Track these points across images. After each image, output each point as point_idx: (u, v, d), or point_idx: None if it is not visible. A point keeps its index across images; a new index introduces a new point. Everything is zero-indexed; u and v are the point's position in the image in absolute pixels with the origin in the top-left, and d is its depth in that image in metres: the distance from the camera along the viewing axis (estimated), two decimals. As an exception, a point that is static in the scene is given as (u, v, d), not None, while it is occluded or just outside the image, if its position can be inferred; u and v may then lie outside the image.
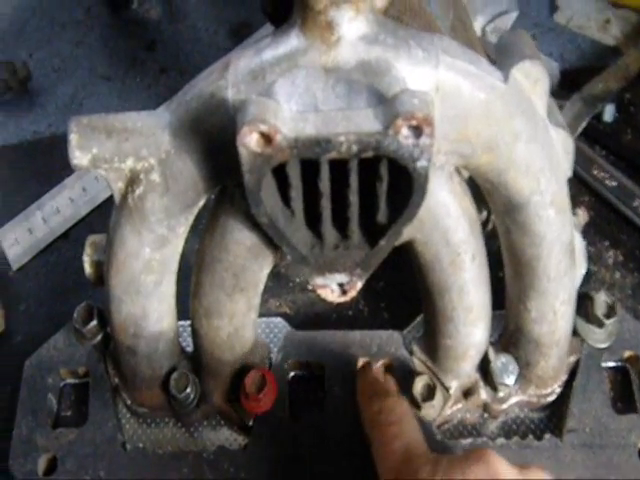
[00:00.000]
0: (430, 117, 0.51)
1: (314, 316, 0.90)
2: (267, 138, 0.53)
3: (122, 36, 1.19)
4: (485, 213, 0.82)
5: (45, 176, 1.04)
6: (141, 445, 0.80)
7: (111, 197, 0.68)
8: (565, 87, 0.99)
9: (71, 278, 0.95)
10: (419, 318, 0.82)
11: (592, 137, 1.00)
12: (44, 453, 0.78)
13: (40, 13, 1.22)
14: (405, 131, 0.52)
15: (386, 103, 0.53)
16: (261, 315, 0.81)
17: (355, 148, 0.53)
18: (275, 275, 0.92)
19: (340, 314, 0.90)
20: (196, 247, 0.71)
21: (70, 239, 0.99)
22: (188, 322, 0.77)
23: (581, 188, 0.96)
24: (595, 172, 0.96)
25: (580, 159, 0.94)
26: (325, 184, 0.58)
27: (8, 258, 0.98)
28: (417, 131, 0.52)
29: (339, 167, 0.57)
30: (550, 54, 1.11)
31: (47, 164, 1.06)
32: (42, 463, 0.78)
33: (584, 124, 1.00)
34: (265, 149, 0.53)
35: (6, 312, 0.94)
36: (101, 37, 1.19)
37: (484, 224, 0.79)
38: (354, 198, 0.60)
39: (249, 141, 0.53)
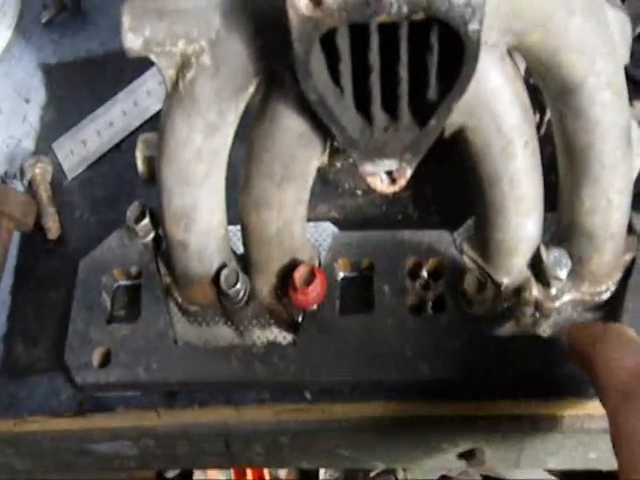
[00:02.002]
0: (483, -30, 0.50)
1: (363, 221, 0.89)
2: (317, 0, 0.52)
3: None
4: (538, 116, 0.81)
5: (98, 91, 1.05)
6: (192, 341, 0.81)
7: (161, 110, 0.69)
8: (623, -11, 0.96)
9: (123, 187, 0.96)
10: (470, 220, 0.81)
11: (650, 40, 0.96)
12: (99, 347, 0.80)
13: None
14: (456, -11, 0.51)
15: (438, -39, 0.52)
16: (310, 220, 0.81)
17: (405, 9, 0.52)
18: (323, 182, 0.92)
19: (389, 218, 0.89)
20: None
21: (122, 150, 1.00)
22: (237, 227, 0.78)
23: (637, 91, 0.93)
24: (652, 75, 0.93)
25: (636, 62, 0.91)
26: (375, 55, 0.57)
27: (64, 168, 0.99)
28: (469, -11, 0.51)
29: (389, 40, 0.56)
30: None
31: (100, 80, 1.06)
32: (97, 356, 0.80)
33: (641, 26, 0.96)
34: (314, 12, 0.53)
35: (62, 219, 0.95)
36: (154, -44, 1.19)
37: (537, 128, 0.78)
38: (404, 72, 0.59)
39: (299, 3, 0.52)
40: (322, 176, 0.91)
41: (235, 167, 0.72)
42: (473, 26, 0.53)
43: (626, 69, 0.67)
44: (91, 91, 1.06)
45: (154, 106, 1.01)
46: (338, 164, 0.92)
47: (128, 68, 1.04)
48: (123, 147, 1.00)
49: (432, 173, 0.88)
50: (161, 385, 0.79)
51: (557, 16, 0.60)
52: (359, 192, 0.91)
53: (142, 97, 1.03)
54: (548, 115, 0.75)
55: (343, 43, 0.56)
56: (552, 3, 0.59)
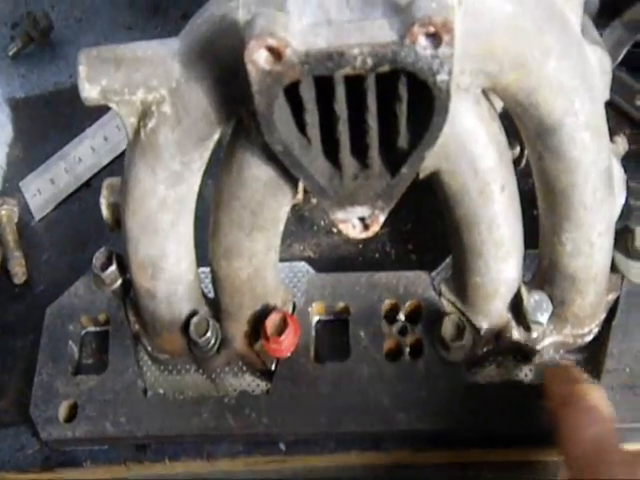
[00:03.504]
0: (450, 22, 0.47)
1: (339, 260, 0.87)
2: (276, 53, 0.49)
3: (143, -17, 1.17)
4: (518, 149, 0.78)
5: (67, 126, 1.03)
6: (162, 391, 0.78)
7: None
8: (604, 15, 0.93)
9: (93, 227, 0.93)
10: (448, 259, 0.79)
11: (634, 66, 0.93)
12: (65, 400, 0.77)
13: (60, -37, 1.20)
14: (423, 40, 0.48)
15: (402, 11, 0.49)
16: (284, 260, 0.79)
17: (370, 61, 0.50)
18: (298, 219, 0.89)
19: (366, 257, 0.87)
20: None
21: (92, 188, 0.98)
22: (209, 268, 0.75)
23: (621, 120, 0.91)
24: (637, 102, 0.91)
25: (621, 89, 0.89)
26: (341, 106, 0.55)
27: (31, 208, 0.97)
28: (436, 40, 0.48)
29: (356, 89, 0.54)
30: (588, -20, 1.04)
31: (69, 115, 1.04)
32: (63, 409, 0.77)
33: (625, 51, 0.93)
34: (274, 66, 0.50)
35: (28, 262, 0.93)
36: (122, -15, 1.17)
37: (517, 161, 0.76)
38: (373, 122, 0.56)
39: (257, 57, 0.50)
40: (297, 213, 0.89)
41: (207, 204, 0.70)
42: (442, 77, 0.51)
43: (611, 98, 0.65)
44: (59, 126, 1.03)
45: (125, 141, 0.97)
46: (314, 201, 0.90)
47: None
48: (93, 185, 0.98)
49: (409, 210, 0.86)
50: (130, 438, 0.76)
51: (532, 57, 0.57)
52: (335, 230, 0.88)
53: (112, 132, 1.00)
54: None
55: (308, 94, 0.54)
56: (527, 45, 0.57)
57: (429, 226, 0.87)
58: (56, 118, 1.05)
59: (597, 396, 0.66)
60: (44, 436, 0.76)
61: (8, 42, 1.13)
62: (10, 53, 1.11)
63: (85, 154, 0.99)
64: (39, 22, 1.11)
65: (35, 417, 0.77)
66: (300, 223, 0.89)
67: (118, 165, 0.98)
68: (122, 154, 0.97)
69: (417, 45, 0.49)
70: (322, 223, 0.90)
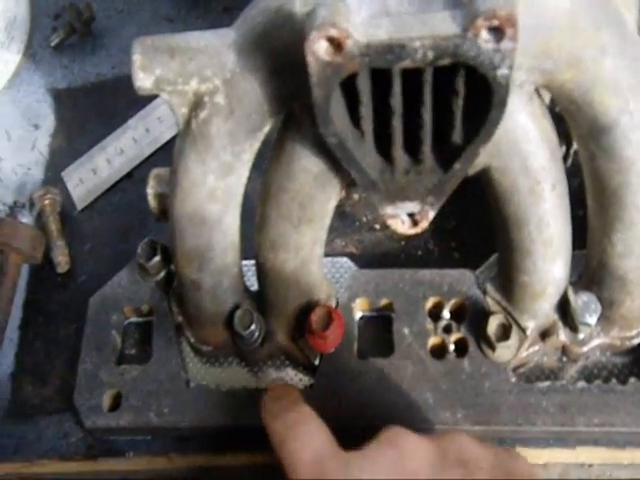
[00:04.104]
0: (514, 16, 0.47)
1: (381, 256, 0.87)
2: (337, 45, 0.49)
3: (185, -25, 1.16)
4: (564, 147, 0.78)
5: (109, 117, 1.03)
6: (204, 383, 0.78)
7: (174, 138, 0.65)
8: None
9: (135, 218, 0.94)
10: (492, 258, 0.78)
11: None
12: (109, 389, 0.78)
13: (102, -46, 1.20)
14: (485, 34, 0.48)
15: (464, 4, 0.49)
16: (327, 255, 0.78)
17: (431, 54, 0.49)
18: (341, 214, 0.89)
19: (409, 254, 0.86)
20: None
21: (134, 179, 0.98)
22: (252, 262, 0.75)
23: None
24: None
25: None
26: (397, 99, 0.54)
27: (73, 198, 0.97)
28: (498, 34, 0.48)
29: (412, 84, 0.54)
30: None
31: (111, 105, 1.04)
32: (107, 399, 0.77)
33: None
34: (335, 57, 0.50)
35: (71, 252, 0.93)
36: (164, -23, 1.17)
37: (564, 159, 0.75)
38: (428, 116, 0.56)
39: (318, 48, 0.49)
40: (339, 209, 0.88)
41: (251, 199, 0.69)
42: (502, 71, 0.50)
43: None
44: (101, 117, 1.04)
45: (166, 133, 0.99)
46: (356, 196, 0.90)
47: (139, 93, 1.02)
48: (135, 176, 0.98)
49: (454, 207, 0.85)
50: (173, 429, 0.77)
51: (589, 54, 0.57)
52: (377, 226, 0.88)
53: (154, 124, 1.00)
54: (575, 146, 0.72)
55: (364, 87, 0.54)
56: (583, 42, 0.56)
57: (473, 224, 0.86)
58: (98, 109, 1.05)
59: (302, 419, 0.65)
60: (88, 424, 0.76)
61: (50, 33, 1.13)
62: (52, 44, 1.11)
63: (127, 145, 1.00)
64: (82, 13, 1.11)
65: (79, 405, 0.77)
66: (342, 219, 0.89)
67: (160, 157, 0.98)
68: (164, 146, 0.98)
69: (479, 39, 0.48)
70: (364, 219, 0.89)
